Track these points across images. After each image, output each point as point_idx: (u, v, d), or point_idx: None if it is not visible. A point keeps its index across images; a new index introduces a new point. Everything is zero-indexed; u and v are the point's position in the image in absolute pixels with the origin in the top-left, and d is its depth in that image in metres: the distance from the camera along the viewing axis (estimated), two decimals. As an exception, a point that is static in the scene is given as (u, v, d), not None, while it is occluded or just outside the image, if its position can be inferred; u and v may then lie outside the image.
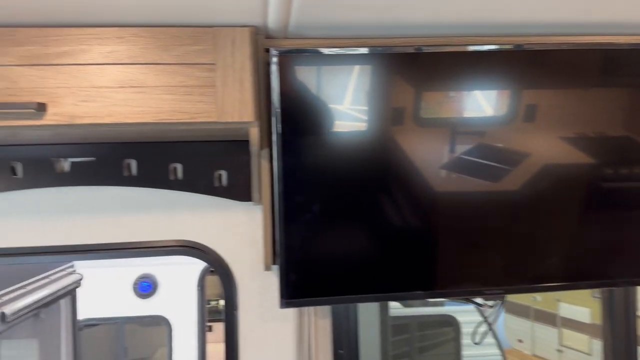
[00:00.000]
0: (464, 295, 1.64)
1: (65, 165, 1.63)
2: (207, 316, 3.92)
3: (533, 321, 5.70)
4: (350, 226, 1.54)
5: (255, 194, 1.63)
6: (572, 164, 1.58)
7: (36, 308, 2.39)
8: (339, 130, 1.50)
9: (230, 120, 1.38)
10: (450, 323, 3.84)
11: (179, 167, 1.65)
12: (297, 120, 1.47)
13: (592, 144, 1.58)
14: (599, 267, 1.65)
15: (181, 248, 1.69)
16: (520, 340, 5.87)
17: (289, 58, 1.44)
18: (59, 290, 2.65)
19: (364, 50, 1.48)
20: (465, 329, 3.76)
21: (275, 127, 1.46)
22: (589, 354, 5.01)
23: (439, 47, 1.51)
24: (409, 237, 1.57)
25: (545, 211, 1.59)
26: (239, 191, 1.66)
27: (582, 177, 1.60)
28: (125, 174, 1.63)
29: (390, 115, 1.51)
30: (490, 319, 1.73)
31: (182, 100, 1.37)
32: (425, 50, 1.50)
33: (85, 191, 1.65)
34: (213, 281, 4.10)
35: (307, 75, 1.48)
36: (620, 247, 1.65)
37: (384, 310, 2.71)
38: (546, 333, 5.53)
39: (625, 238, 1.65)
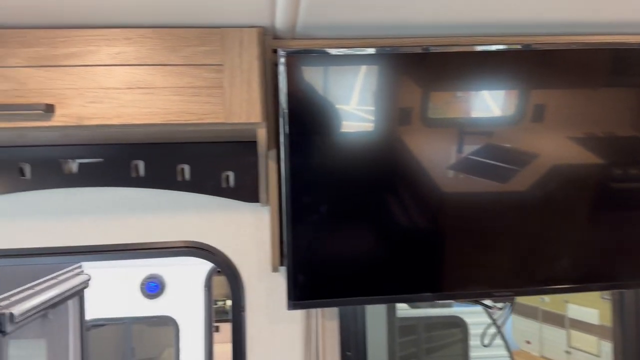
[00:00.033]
0: (473, 297, 1.63)
1: (73, 166, 1.63)
2: (214, 316, 3.93)
3: (541, 322, 5.67)
4: (357, 227, 1.54)
5: (262, 195, 1.63)
6: (581, 164, 1.57)
7: (44, 309, 2.40)
8: (347, 130, 1.49)
9: (237, 121, 1.38)
10: (458, 324, 3.83)
11: (187, 168, 1.65)
12: (305, 120, 1.47)
13: (601, 144, 1.57)
14: (609, 269, 1.64)
15: (188, 249, 1.69)
16: (528, 342, 5.84)
17: (296, 58, 1.44)
18: (66, 291, 2.65)
19: (372, 51, 1.47)
20: (473, 331, 3.75)
21: (283, 127, 1.46)
22: (597, 356, 4.97)
23: (446, 47, 1.51)
24: (416, 238, 1.56)
25: (554, 212, 1.58)
26: (247, 192, 1.65)
27: (591, 177, 1.59)
28: (133, 175, 1.64)
29: (398, 116, 1.51)
30: (499, 322, 1.72)
31: (189, 101, 1.37)
32: (433, 50, 1.49)
33: (93, 192, 1.66)
34: (220, 281, 4.11)
35: (314, 76, 1.48)
36: (631, 248, 1.63)
37: (391, 312, 2.71)
38: (554, 334, 5.49)
39: (635, 239, 1.63)
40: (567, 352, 5.37)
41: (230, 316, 1.76)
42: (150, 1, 1.27)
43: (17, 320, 2.08)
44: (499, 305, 1.66)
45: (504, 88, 1.53)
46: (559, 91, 1.55)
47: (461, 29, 1.52)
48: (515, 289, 1.60)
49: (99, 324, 4.00)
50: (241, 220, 1.70)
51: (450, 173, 1.53)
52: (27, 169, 1.62)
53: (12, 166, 1.61)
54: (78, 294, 2.89)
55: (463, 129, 1.53)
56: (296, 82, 1.45)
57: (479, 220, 1.57)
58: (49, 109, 1.32)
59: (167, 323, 3.86)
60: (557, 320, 5.46)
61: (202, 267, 3.71)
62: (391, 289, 1.56)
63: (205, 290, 3.80)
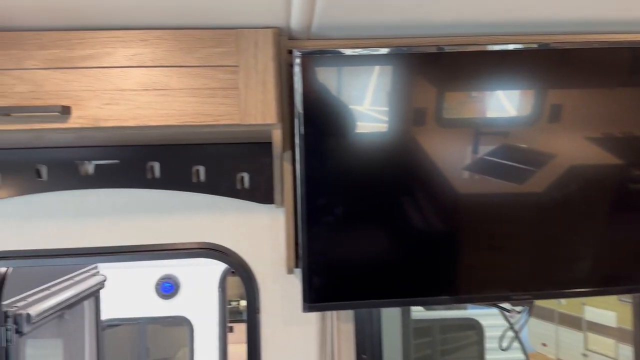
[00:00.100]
0: (491, 300, 1.61)
1: (89, 167, 1.64)
2: (228, 317, 3.94)
3: (557, 325, 5.62)
4: (373, 229, 1.53)
5: (277, 196, 1.63)
6: (598, 165, 1.55)
7: (61, 309, 2.42)
8: (362, 131, 1.49)
9: (253, 122, 1.38)
10: (473, 326, 3.80)
11: (202, 169, 1.65)
12: (320, 122, 1.46)
13: (619, 144, 1.54)
14: (630, 272, 1.61)
15: (203, 250, 1.70)
16: (544, 344, 5.79)
17: (312, 59, 1.43)
18: (83, 292, 2.68)
19: (386, 51, 1.46)
20: (489, 333, 3.72)
21: (298, 128, 1.45)
22: (615, 359, 4.92)
23: (461, 46, 1.49)
24: (432, 240, 1.55)
25: (572, 213, 1.56)
26: (261, 194, 1.65)
27: (609, 178, 1.56)
28: (149, 176, 1.64)
29: (413, 116, 1.50)
30: (516, 325, 1.70)
31: (205, 103, 1.37)
32: (448, 49, 1.48)
33: (108, 194, 1.66)
34: (233, 282, 4.12)
35: (330, 77, 1.47)
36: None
37: (406, 313, 2.69)
38: (571, 337, 5.44)
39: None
40: (584, 355, 5.31)
41: (244, 316, 1.76)
42: (165, 2, 1.27)
43: (33, 321, 2.10)
44: (518, 308, 1.64)
45: (520, 88, 1.52)
46: (576, 91, 1.53)
47: (477, 29, 1.51)
48: (534, 292, 1.58)
49: (114, 324, 4.03)
50: (256, 221, 1.70)
51: (466, 174, 1.51)
52: (44, 170, 1.63)
53: (29, 168, 1.62)
54: (94, 294, 2.91)
55: (478, 130, 1.52)
56: (311, 83, 1.44)
57: (496, 221, 1.55)
58: (66, 110, 1.33)
59: (182, 323, 3.89)
60: (573, 322, 5.41)
61: (217, 267, 3.72)
62: (407, 291, 1.54)
63: (219, 290, 3.82)
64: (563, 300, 5.50)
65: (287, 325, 1.71)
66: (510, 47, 1.49)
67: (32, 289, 2.28)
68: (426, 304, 2.83)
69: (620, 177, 1.57)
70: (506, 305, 1.64)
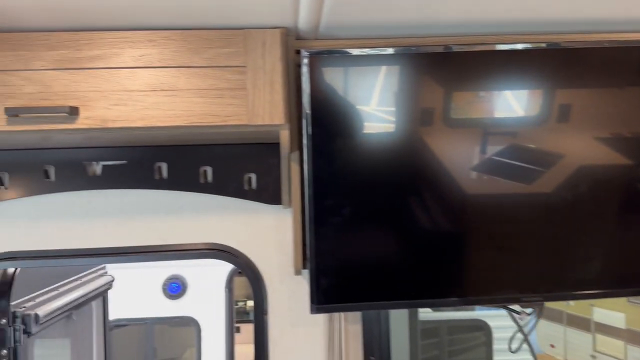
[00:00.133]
0: (501, 302, 1.60)
1: (97, 168, 1.64)
2: (235, 317, 3.94)
3: (566, 326, 5.59)
4: (381, 229, 1.52)
5: (285, 197, 1.62)
6: (608, 165, 1.54)
7: (68, 309, 2.43)
8: (369, 132, 1.48)
9: (261, 122, 1.38)
10: (481, 328, 3.79)
11: (209, 170, 1.65)
12: (328, 122, 1.46)
13: (628, 144, 1.53)
14: (640, 273, 1.60)
15: (211, 251, 1.70)
16: (552, 346, 5.75)
17: (319, 59, 1.43)
18: (90, 292, 2.68)
19: (394, 51, 1.45)
20: (497, 334, 3.70)
21: (306, 129, 1.45)
22: (624, 361, 4.88)
23: (469, 46, 1.48)
24: (440, 241, 1.54)
25: (581, 214, 1.55)
26: (269, 194, 1.65)
27: (618, 178, 1.55)
28: (156, 177, 1.64)
29: (420, 116, 1.49)
30: (525, 328, 1.69)
31: (213, 103, 1.36)
32: (455, 49, 1.47)
33: (116, 194, 1.67)
34: (240, 282, 4.12)
35: (338, 77, 1.47)
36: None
37: (414, 315, 2.68)
38: (579, 338, 5.41)
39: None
40: (593, 357, 5.28)
41: (251, 317, 1.75)
42: (173, 3, 1.27)
43: (42, 321, 2.11)
44: (527, 310, 1.63)
45: (528, 87, 1.51)
46: (585, 90, 1.52)
47: (485, 28, 1.50)
48: (545, 294, 1.57)
49: (122, 324, 4.05)
50: (263, 222, 1.69)
51: (474, 174, 1.51)
52: (52, 171, 1.63)
53: (37, 168, 1.63)
54: (102, 294, 2.91)
55: (486, 130, 1.51)
56: (319, 83, 1.43)
57: (504, 222, 1.54)
58: (74, 111, 1.33)
59: (189, 323, 3.89)
60: (582, 323, 5.38)
61: (224, 268, 3.73)
62: (416, 293, 1.54)
63: (226, 291, 3.82)
64: (571, 302, 5.46)
65: (295, 326, 1.71)
66: (519, 46, 1.48)
67: (40, 289, 2.28)
68: (435, 306, 2.82)
69: (630, 177, 1.55)
70: (515, 307, 1.63)
